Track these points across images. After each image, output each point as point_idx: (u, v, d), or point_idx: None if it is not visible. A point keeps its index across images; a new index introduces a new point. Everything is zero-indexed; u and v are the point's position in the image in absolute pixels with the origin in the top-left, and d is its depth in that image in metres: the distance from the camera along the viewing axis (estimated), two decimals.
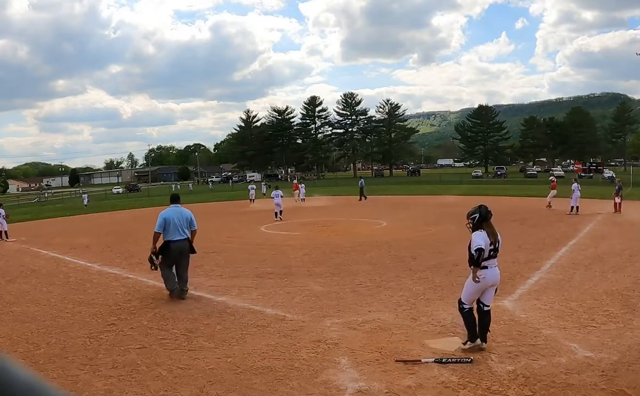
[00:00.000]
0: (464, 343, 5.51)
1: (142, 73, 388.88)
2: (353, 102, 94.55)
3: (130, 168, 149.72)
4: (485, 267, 5.41)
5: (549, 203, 22.77)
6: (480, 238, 5.37)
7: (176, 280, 8.32)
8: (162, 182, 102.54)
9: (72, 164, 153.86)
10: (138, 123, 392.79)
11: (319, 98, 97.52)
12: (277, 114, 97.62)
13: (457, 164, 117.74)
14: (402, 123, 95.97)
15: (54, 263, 12.61)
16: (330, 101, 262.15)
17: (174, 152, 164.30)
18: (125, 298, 8.44)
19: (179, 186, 74.56)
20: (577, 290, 8.08)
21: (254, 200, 32.33)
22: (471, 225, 5.59)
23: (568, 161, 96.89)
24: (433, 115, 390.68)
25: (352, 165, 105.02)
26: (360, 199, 32.17)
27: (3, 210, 18.70)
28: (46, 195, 65.34)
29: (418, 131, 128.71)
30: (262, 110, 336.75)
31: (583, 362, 5.09)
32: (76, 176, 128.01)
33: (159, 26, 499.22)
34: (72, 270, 11.42)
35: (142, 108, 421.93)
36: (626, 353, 5.31)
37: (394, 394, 4.51)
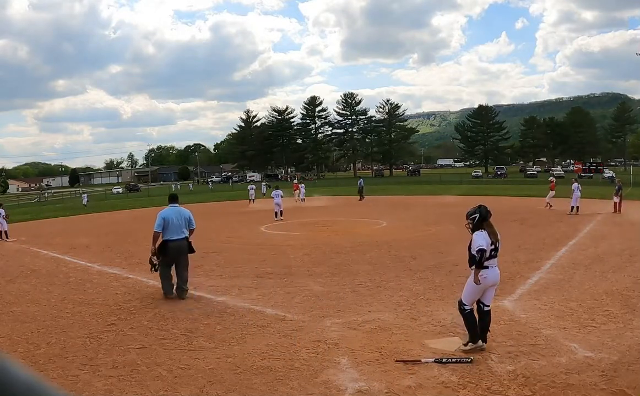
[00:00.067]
0: (465, 344, 5.49)
1: (142, 73, 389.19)
2: (353, 102, 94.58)
3: (130, 168, 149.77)
4: (486, 267, 5.40)
5: (549, 204, 22.77)
6: (481, 239, 5.36)
7: (173, 282, 8.37)
8: (162, 182, 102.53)
9: (72, 164, 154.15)
10: (138, 123, 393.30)
11: (319, 98, 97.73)
12: (277, 114, 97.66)
13: (457, 164, 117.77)
14: (402, 123, 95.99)
15: (54, 263, 12.61)
16: (330, 101, 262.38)
17: (174, 152, 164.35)
18: (125, 298, 8.44)
19: (179, 186, 74.62)
20: (577, 290, 8.08)
21: (253, 200, 32.33)
22: (471, 226, 5.59)
23: (568, 161, 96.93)
24: (433, 115, 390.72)
25: (352, 165, 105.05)
26: (360, 199, 32.21)
27: (3, 210, 18.71)
28: (46, 195, 65.34)
29: (418, 131, 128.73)
30: (262, 110, 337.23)
31: (583, 362, 5.09)
32: (76, 176, 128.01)
33: (159, 26, 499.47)
34: (72, 270, 11.42)
35: (142, 108, 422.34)
36: (626, 353, 5.31)
37: (394, 394, 4.51)
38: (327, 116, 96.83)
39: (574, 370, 4.89)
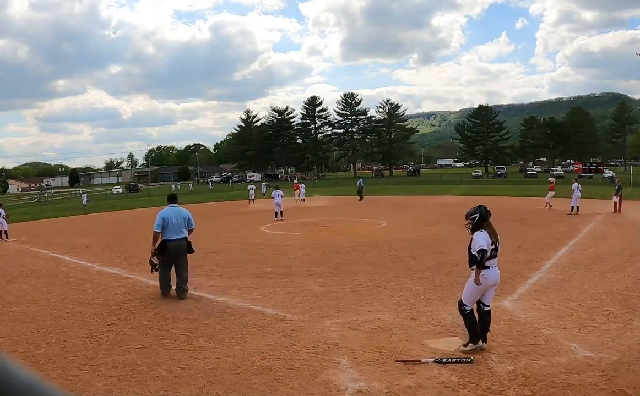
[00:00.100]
0: (465, 345, 5.48)
1: (142, 73, 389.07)
2: (353, 102, 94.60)
3: (130, 168, 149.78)
4: (487, 267, 5.39)
5: (549, 204, 22.76)
6: (482, 239, 5.35)
7: (171, 284, 8.39)
8: (162, 182, 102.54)
9: (72, 164, 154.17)
10: (138, 123, 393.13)
11: (319, 98, 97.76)
12: (277, 114, 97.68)
13: (457, 164, 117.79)
14: (402, 123, 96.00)
15: (54, 263, 12.62)
16: (330, 101, 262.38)
17: (174, 152, 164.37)
18: (125, 298, 8.44)
19: (179, 186, 74.66)
20: (577, 290, 8.08)
21: (253, 200, 32.34)
22: (470, 226, 5.58)
23: (568, 161, 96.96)
24: (433, 115, 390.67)
25: (352, 165, 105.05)
26: (360, 199, 32.22)
27: (3, 210, 18.71)
28: (46, 195, 65.34)
29: (418, 131, 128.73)
30: (262, 110, 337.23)
31: (583, 362, 5.09)
32: (76, 176, 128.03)
33: (159, 26, 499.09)
34: (72, 270, 11.42)
35: (142, 108, 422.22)
36: (626, 353, 5.31)
37: (394, 394, 4.51)
38: (327, 116, 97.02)
39: (574, 370, 4.89)
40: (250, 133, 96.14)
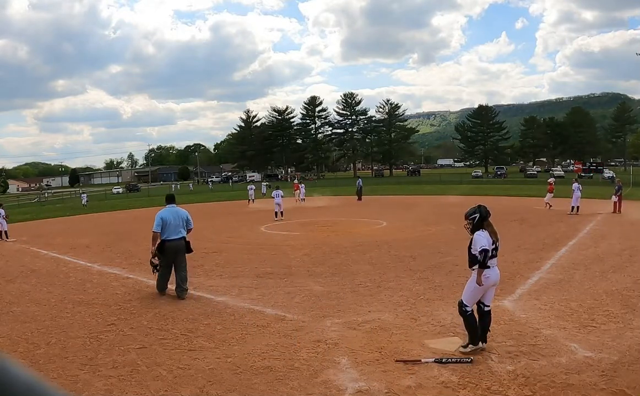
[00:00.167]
0: (465, 346, 5.46)
1: (142, 73, 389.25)
2: (353, 102, 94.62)
3: (130, 168, 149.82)
4: (488, 267, 5.39)
5: (548, 204, 22.74)
6: (483, 239, 5.34)
7: (168, 284, 8.38)
8: (162, 182, 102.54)
9: (72, 164, 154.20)
10: (138, 123, 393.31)
11: (319, 98, 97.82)
12: (277, 114, 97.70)
13: (457, 164, 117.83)
14: (402, 123, 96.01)
15: (54, 263, 12.61)
16: (330, 101, 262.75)
17: (174, 152, 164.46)
18: (125, 298, 8.44)
19: (178, 186, 74.67)
20: (577, 290, 8.08)
21: (253, 200, 32.33)
22: (470, 226, 5.57)
23: (568, 161, 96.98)
24: (433, 115, 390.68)
25: (352, 165, 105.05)
26: (359, 199, 32.20)
27: (3, 210, 18.71)
28: (46, 195, 65.31)
29: (418, 131, 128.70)
30: (262, 110, 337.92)
31: (583, 362, 5.09)
32: (76, 176, 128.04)
33: (159, 26, 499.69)
34: (72, 270, 11.42)
35: (142, 108, 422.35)
36: (626, 353, 5.31)
37: (394, 394, 4.51)
38: (327, 116, 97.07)
39: (574, 370, 4.89)
40: (250, 134, 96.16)
